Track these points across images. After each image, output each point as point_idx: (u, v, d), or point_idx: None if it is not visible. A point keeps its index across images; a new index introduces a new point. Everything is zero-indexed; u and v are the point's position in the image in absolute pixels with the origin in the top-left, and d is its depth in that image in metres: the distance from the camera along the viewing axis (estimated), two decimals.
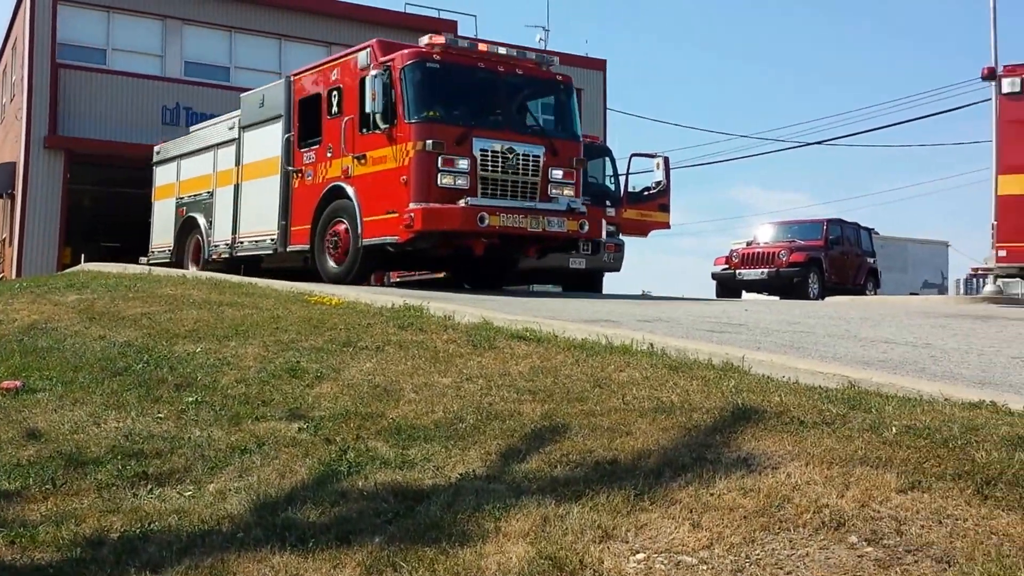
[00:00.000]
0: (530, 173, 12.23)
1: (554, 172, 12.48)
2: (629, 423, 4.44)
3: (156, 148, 18.91)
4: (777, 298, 21.64)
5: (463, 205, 11.45)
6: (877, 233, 28.79)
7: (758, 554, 3.16)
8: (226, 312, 8.39)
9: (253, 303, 8.81)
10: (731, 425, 4.23)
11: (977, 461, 3.57)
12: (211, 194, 16.25)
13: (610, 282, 19.39)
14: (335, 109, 13.07)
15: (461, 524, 3.68)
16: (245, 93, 16.14)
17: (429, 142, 11.54)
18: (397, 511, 3.94)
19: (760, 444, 3.96)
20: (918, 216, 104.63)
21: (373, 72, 11.90)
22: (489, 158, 11.86)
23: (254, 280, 11.46)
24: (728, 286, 23.35)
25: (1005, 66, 16.09)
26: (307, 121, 13.83)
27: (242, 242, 15.14)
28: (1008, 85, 15.30)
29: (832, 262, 23.14)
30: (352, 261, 12.50)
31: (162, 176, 18.45)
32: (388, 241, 11.99)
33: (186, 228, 17.09)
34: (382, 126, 11.96)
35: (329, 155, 13.10)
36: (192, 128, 18.63)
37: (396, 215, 11.66)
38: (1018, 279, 23.28)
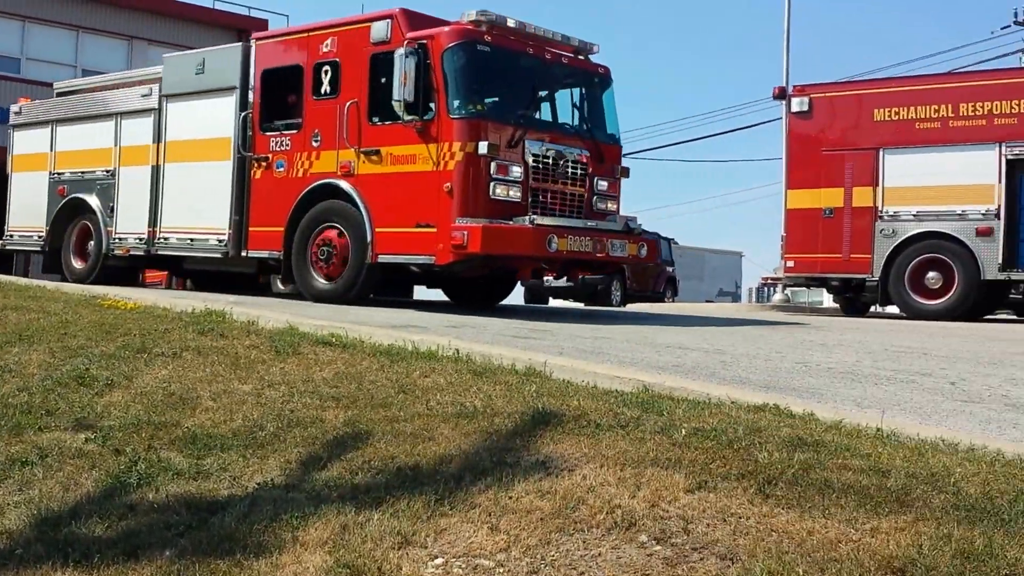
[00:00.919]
0: (577, 183, 10.47)
1: (599, 183, 10.77)
2: (432, 429, 4.45)
3: (15, 107, 15.56)
4: (582, 305, 22.31)
5: (529, 224, 9.52)
6: (676, 243, 30.21)
7: (553, 555, 3.22)
8: (9, 316, 7.81)
9: (40, 307, 8.25)
10: (531, 429, 4.31)
11: (760, 461, 3.78)
12: (111, 173, 13.51)
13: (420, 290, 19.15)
14: (326, 88, 10.81)
15: (257, 535, 3.57)
16: (171, 54, 13.72)
17: (484, 144, 9.55)
18: (190, 523, 3.78)
19: (558, 447, 4.05)
20: (715, 227, 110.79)
21: (403, 51, 9.68)
22: (540, 165, 10.06)
23: (43, 283, 10.72)
24: (536, 293, 23.89)
25: (795, 86, 17.21)
26: (275, 98, 11.58)
27: (166, 238, 12.65)
28: (797, 104, 16.36)
29: (633, 270, 24.10)
30: (353, 278, 10.39)
31: (25, 143, 15.06)
32: (418, 261, 9.96)
33: (68, 212, 14.12)
34: (409, 118, 9.82)
35: (316, 144, 10.85)
36: (61, 86, 15.62)
37: (431, 230, 9.64)
38: (805, 288, 25.01)
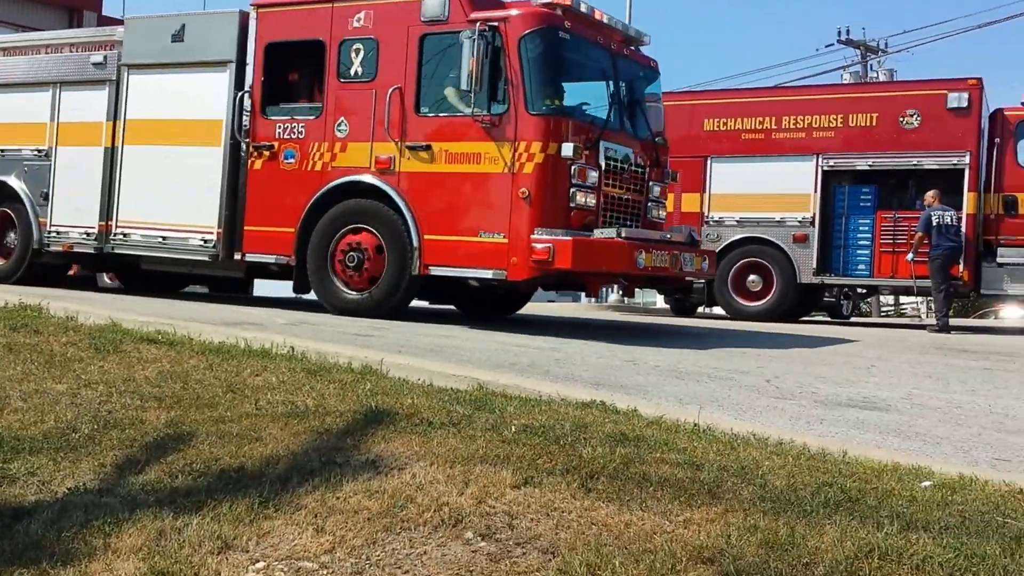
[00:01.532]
0: (638, 188, 9.67)
1: (654, 187, 9.94)
2: (260, 429, 4.35)
3: None
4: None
5: (619, 238, 8.56)
6: None
7: (379, 555, 3.21)
8: None
9: None
10: (363, 428, 4.28)
11: (584, 457, 3.88)
12: (44, 154, 11.49)
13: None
14: (357, 70, 9.45)
15: (66, 542, 3.39)
16: (136, 16, 11.69)
17: (568, 146, 8.52)
18: None
19: (389, 446, 4.04)
20: None
21: (471, 33, 8.45)
22: (612, 169, 9.15)
23: None
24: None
25: None
26: (282, 77, 10.18)
27: (126, 234, 10.82)
28: None
29: None
30: (391, 289, 9.15)
31: None
32: (481, 275, 8.88)
33: None
34: (475, 111, 8.69)
35: (342, 134, 9.48)
36: None
37: (501, 241, 8.55)
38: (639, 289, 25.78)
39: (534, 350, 7.62)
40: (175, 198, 10.51)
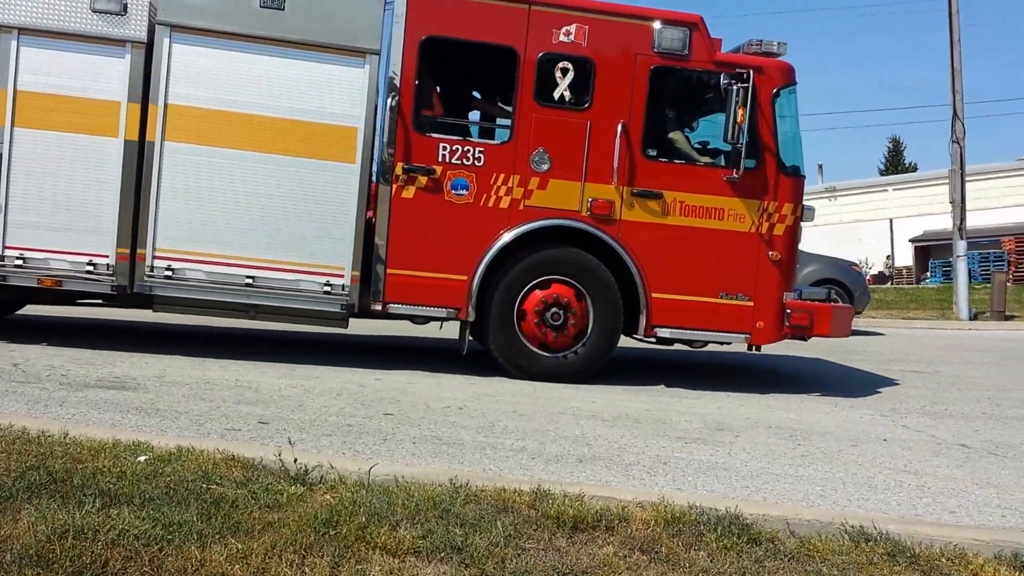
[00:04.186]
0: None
1: None
2: None
3: None
4: None
5: (846, 304, 9.36)
6: None
7: None
8: None
9: None
10: None
11: None
12: None
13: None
14: (564, 94, 8.02)
15: None
16: None
17: (805, 208, 8.40)
18: None
19: None
20: None
21: (734, 83, 7.82)
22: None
23: None
24: None
25: None
26: (441, 83, 8.82)
27: (172, 269, 7.75)
28: None
29: None
30: (601, 351, 8.20)
31: None
32: (720, 338, 8.35)
33: None
34: (719, 162, 8.28)
35: (539, 168, 8.03)
36: None
37: (746, 304, 8.19)
38: None
39: None
40: (268, 226, 7.83)
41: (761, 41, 8.40)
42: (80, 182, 7.70)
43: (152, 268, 7.71)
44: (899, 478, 5.20)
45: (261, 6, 7.72)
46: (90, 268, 7.69)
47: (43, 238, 7.68)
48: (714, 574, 3.38)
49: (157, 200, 7.69)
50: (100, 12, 7.67)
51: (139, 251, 7.70)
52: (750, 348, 8.75)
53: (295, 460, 4.16)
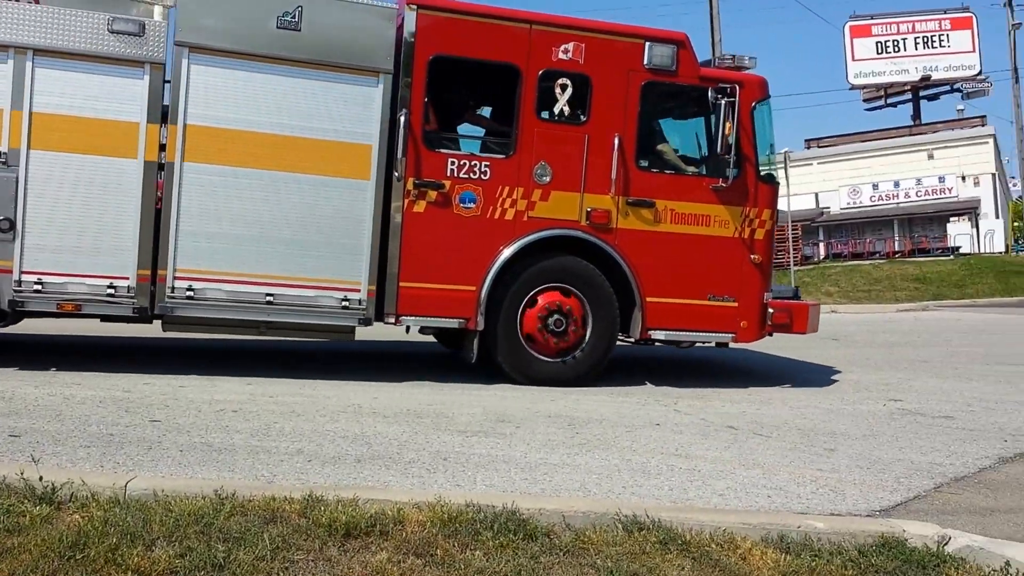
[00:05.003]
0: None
1: None
2: None
3: None
4: None
5: (813, 301, 9.92)
6: None
7: None
8: None
9: None
10: None
11: None
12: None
13: None
14: (563, 109, 8.37)
15: None
16: None
17: (776, 212, 8.96)
18: None
19: None
20: None
21: (721, 95, 8.38)
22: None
23: None
24: None
25: None
26: (448, 100, 8.84)
27: (193, 289, 7.70)
28: None
29: None
30: (600, 356, 8.50)
31: None
32: (707, 337, 8.82)
33: None
34: (704, 171, 8.83)
35: (541, 180, 8.31)
36: None
37: (731, 304, 8.67)
38: None
39: None
40: (286, 243, 7.93)
41: (733, 56, 9.01)
42: (98, 204, 7.58)
43: (173, 288, 7.68)
44: (671, 462, 5.38)
45: (278, 27, 7.80)
46: (111, 291, 7.61)
47: (61, 261, 7.55)
48: (490, 574, 3.34)
49: (177, 220, 7.68)
50: (118, 33, 7.57)
51: (160, 272, 7.67)
52: (719, 345, 9.21)
53: (40, 478, 3.79)
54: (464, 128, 9.19)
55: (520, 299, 8.32)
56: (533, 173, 8.30)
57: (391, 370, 8.44)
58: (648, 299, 8.46)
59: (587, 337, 8.43)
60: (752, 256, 8.70)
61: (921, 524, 4.23)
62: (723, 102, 8.35)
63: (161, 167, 7.69)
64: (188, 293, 7.69)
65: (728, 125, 8.35)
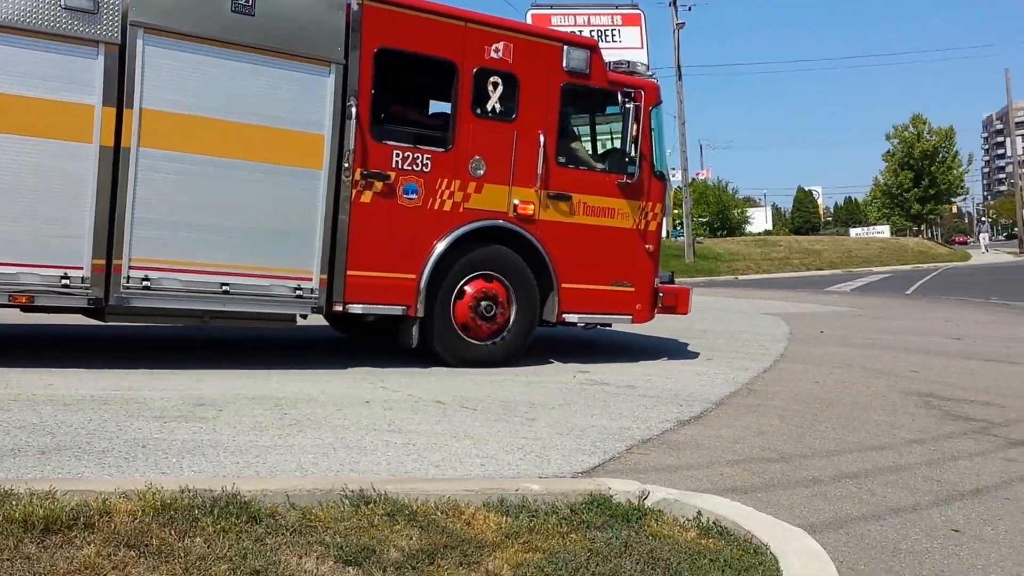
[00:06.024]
0: None
1: None
2: None
3: None
4: None
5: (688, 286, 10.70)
6: None
7: None
8: None
9: None
10: None
11: None
12: None
13: None
14: (495, 106, 8.76)
15: None
16: None
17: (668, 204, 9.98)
18: None
19: None
20: None
21: (628, 101, 9.18)
22: None
23: None
24: None
25: None
26: (392, 92, 8.91)
27: (149, 279, 7.36)
28: None
29: None
30: (524, 338, 9.07)
31: None
32: (610, 319, 9.72)
33: None
34: (610, 167, 9.54)
35: (477, 173, 8.71)
36: None
37: (629, 289, 9.47)
38: None
39: None
40: (241, 232, 7.67)
41: (629, 62, 9.83)
42: (51, 190, 7.03)
43: (128, 279, 7.31)
44: (385, 438, 5.37)
45: (233, 10, 7.54)
46: (65, 281, 7.13)
47: (11, 250, 6.97)
48: (212, 560, 3.16)
49: (133, 208, 7.26)
50: (71, 9, 7.02)
51: (115, 262, 7.24)
52: (604, 326, 10.13)
53: None
54: (410, 121, 9.19)
55: (453, 286, 8.68)
56: (469, 166, 8.67)
57: (73, 356, 7.69)
58: (563, 285, 9.09)
59: (511, 321, 8.95)
60: (647, 245, 9.56)
61: (623, 482, 4.54)
62: (630, 105, 9.13)
63: (117, 152, 7.22)
64: (144, 284, 7.37)
65: (635, 126, 9.15)
